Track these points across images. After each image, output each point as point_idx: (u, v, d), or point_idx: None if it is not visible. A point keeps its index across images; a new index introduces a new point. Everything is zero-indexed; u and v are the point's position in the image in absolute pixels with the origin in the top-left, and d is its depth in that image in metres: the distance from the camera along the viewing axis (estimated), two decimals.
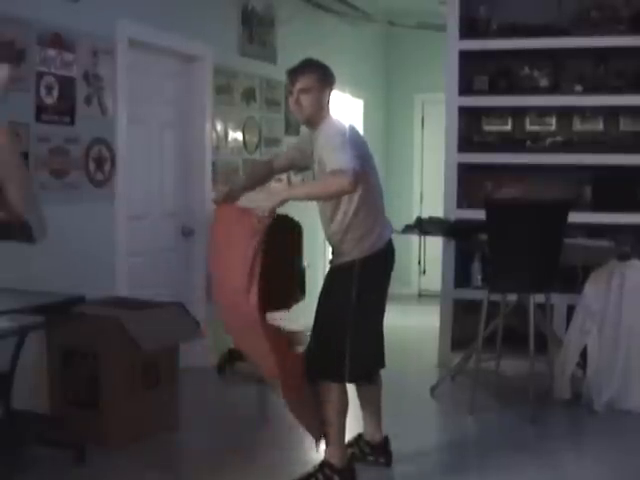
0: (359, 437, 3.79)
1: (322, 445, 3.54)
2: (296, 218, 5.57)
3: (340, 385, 3.39)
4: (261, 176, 3.83)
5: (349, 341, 3.35)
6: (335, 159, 3.11)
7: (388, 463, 3.74)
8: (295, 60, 3.52)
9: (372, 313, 3.49)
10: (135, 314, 3.94)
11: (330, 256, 3.60)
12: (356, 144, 3.26)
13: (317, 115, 3.38)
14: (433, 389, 4.99)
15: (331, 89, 3.44)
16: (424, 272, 8.20)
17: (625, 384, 4.62)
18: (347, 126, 3.34)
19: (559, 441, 4.24)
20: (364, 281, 3.36)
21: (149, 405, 3.97)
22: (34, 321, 3.33)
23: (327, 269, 3.58)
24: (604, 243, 4.95)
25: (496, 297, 4.75)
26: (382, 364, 3.65)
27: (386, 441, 3.77)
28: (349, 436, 3.65)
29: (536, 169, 5.63)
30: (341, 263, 3.42)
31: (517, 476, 3.74)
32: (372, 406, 3.72)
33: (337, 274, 3.45)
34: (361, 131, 7.78)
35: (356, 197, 3.30)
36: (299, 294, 5.52)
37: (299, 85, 3.35)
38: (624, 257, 4.72)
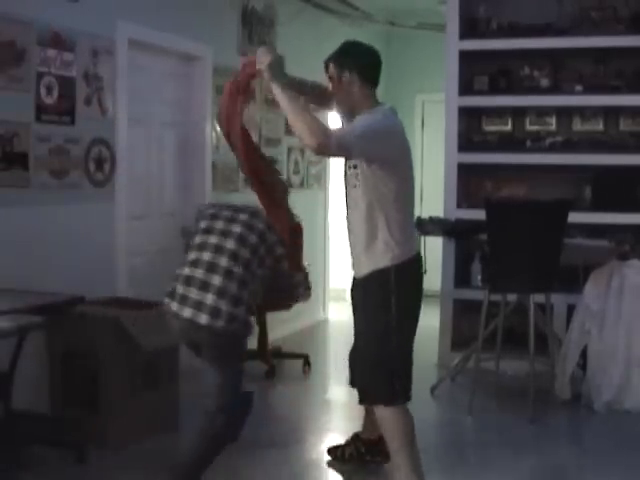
0: (356, 436, 3.76)
1: None
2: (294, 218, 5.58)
3: (396, 407, 3.15)
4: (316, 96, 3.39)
5: (394, 359, 3.11)
6: (347, 127, 2.94)
7: (384, 462, 3.62)
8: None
9: (412, 328, 3.21)
10: (135, 314, 3.94)
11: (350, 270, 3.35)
12: (386, 144, 3.00)
13: (347, 106, 3.16)
14: (433, 389, 4.99)
15: (361, 75, 3.11)
16: (424, 272, 8.18)
17: (625, 384, 4.62)
18: (390, 127, 3.07)
19: (559, 441, 4.24)
20: (401, 292, 3.10)
21: (149, 405, 3.97)
22: (34, 321, 3.33)
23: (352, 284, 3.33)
24: (604, 243, 4.95)
25: (496, 297, 4.75)
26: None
27: (382, 439, 3.60)
28: (347, 434, 3.64)
29: (536, 169, 5.64)
30: (374, 271, 3.13)
31: (517, 476, 3.74)
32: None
33: (372, 284, 3.15)
34: None
35: (388, 202, 3.06)
36: (305, 292, 5.43)
37: (328, 74, 3.19)
38: (624, 257, 4.73)
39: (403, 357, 3.15)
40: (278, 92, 2.94)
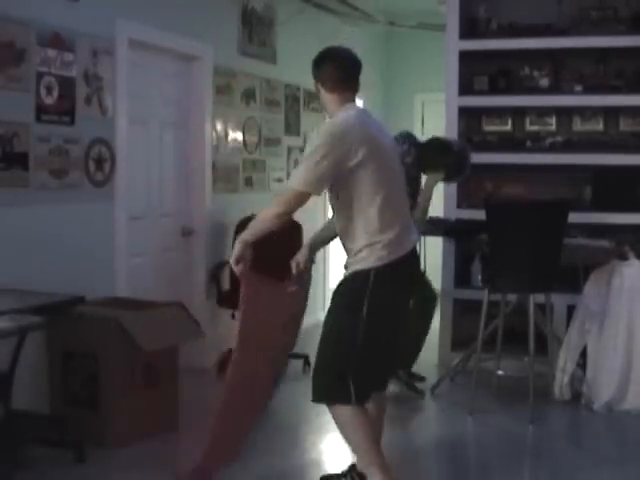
0: (352, 467, 3.43)
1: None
2: (294, 218, 5.58)
3: (349, 406, 3.07)
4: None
5: (354, 360, 3.04)
6: (291, 177, 3.05)
7: None
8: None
9: (384, 333, 3.11)
10: (135, 314, 3.94)
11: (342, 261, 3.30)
12: (347, 149, 2.96)
13: (330, 113, 3.23)
14: (433, 389, 4.99)
15: (324, 83, 3.21)
16: (424, 272, 8.18)
17: (625, 384, 4.62)
18: (347, 126, 3.02)
19: (559, 441, 4.24)
20: (377, 295, 3.02)
21: (149, 405, 3.97)
22: (34, 321, 3.33)
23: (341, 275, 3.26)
24: (604, 243, 4.95)
25: (496, 297, 4.75)
26: (384, 386, 3.33)
27: None
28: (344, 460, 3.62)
29: (536, 169, 5.64)
30: (355, 271, 3.07)
31: (517, 476, 3.75)
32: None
33: (350, 283, 3.11)
34: None
35: (366, 202, 3.01)
36: None
37: None
38: (624, 257, 4.73)
39: (367, 360, 3.04)
40: (252, 235, 3.11)
